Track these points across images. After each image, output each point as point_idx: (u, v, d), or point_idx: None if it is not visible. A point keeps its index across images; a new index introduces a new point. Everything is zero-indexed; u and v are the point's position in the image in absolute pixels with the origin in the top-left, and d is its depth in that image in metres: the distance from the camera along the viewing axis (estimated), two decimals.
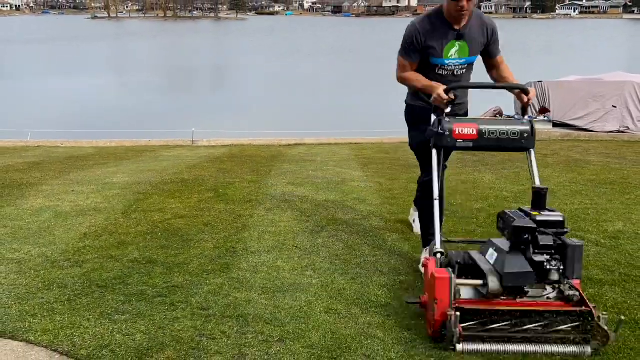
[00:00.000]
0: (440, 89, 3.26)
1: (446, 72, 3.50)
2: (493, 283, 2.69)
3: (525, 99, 3.31)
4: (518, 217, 2.86)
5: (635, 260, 3.88)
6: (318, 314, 3.06)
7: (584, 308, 2.64)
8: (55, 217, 4.78)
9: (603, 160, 8.36)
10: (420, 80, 3.47)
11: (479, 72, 3.69)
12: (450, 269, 2.76)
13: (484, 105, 15.33)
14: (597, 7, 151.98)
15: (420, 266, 3.57)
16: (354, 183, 6.32)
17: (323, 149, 10.46)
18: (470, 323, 2.63)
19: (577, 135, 13.11)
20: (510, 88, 3.47)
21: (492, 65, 3.60)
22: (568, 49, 52.98)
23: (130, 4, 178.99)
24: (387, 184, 6.31)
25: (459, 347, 2.61)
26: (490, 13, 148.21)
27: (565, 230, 2.80)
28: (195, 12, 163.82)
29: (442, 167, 3.40)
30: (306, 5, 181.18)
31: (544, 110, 13.68)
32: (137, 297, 3.22)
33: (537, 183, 3.24)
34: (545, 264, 2.68)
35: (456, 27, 3.39)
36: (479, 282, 2.76)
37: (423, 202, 3.70)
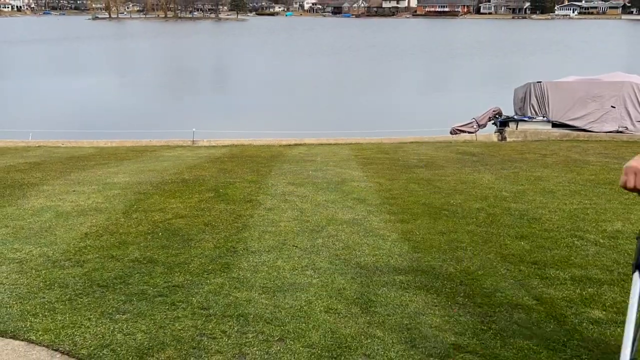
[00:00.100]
0: None
1: None
2: None
3: None
4: None
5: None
6: (318, 313, 3.07)
7: None
8: (56, 217, 4.80)
9: (602, 160, 8.38)
10: None
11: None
12: None
13: (483, 105, 15.38)
14: (595, 7, 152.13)
15: None
16: (354, 183, 6.34)
17: (323, 149, 10.48)
18: None
19: (576, 135, 13.13)
20: None
21: None
22: (567, 50, 53.00)
23: (130, 5, 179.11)
24: (386, 184, 6.32)
25: None
26: (490, 14, 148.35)
27: None
28: (195, 13, 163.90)
29: None
30: (306, 6, 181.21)
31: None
32: (137, 296, 3.23)
33: None
34: None
35: None
36: None
37: None
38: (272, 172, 7.07)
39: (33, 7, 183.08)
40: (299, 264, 3.77)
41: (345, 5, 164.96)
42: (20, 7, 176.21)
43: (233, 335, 2.81)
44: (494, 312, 3.09)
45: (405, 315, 3.06)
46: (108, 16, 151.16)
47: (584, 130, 13.62)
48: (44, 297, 3.20)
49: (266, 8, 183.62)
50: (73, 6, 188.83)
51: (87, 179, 6.63)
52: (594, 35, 75.72)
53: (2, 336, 2.79)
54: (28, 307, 3.08)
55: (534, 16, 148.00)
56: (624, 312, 3.08)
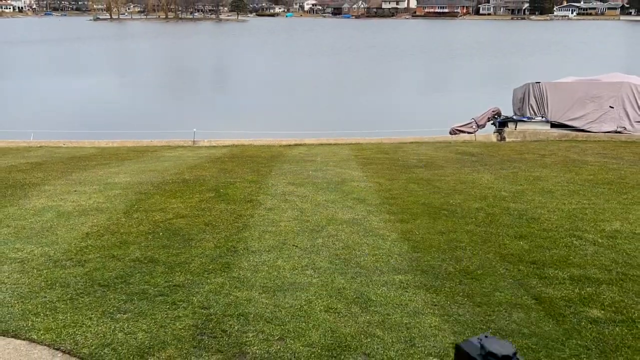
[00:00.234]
0: None
1: None
2: None
3: None
4: None
5: (632, 260, 3.90)
6: (318, 312, 3.08)
7: None
8: (57, 217, 4.81)
9: (600, 160, 8.39)
10: None
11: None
12: None
13: (482, 106, 15.38)
14: (594, 8, 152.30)
15: None
16: (354, 183, 6.35)
17: (323, 149, 10.48)
18: None
19: (574, 135, 13.14)
20: None
21: None
22: (566, 51, 52.99)
23: (131, 6, 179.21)
24: (386, 184, 6.33)
25: None
26: (489, 14, 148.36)
27: None
28: (196, 14, 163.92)
29: None
30: (306, 7, 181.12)
31: None
32: (138, 296, 3.24)
33: None
34: None
35: None
36: None
37: None
38: (272, 172, 7.08)
39: (34, 8, 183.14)
40: (299, 264, 3.78)
41: (345, 6, 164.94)
42: (22, 7, 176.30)
43: (233, 334, 2.83)
44: (493, 311, 3.11)
45: (404, 315, 3.07)
46: (109, 17, 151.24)
47: (583, 130, 13.63)
48: (45, 297, 3.22)
49: (266, 9, 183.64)
50: (74, 7, 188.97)
51: (88, 179, 6.64)
52: (592, 36, 75.69)
53: (4, 335, 2.81)
54: (30, 307, 3.09)
55: (532, 17, 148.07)
56: (622, 312, 3.10)
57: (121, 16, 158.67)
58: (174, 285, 3.40)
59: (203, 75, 39.13)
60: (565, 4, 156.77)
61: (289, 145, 11.31)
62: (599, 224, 4.74)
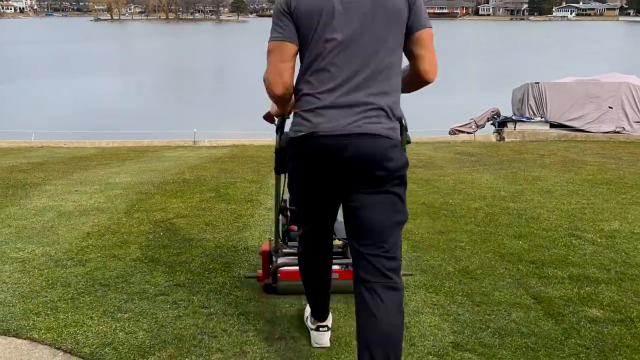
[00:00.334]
0: None
1: None
2: None
3: None
4: None
5: (630, 259, 3.92)
6: None
7: None
8: (58, 217, 4.83)
9: (599, 160, 8.41)
10: None
11: None
12: None
13: (482, 106, 15.41)
14: (593, 9, 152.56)
15: None
16: None
17: None
18: None
19: (573, 135, 13.17)
20: None
21: None
22: (565, 51, 53.04)
23: (132, 7, 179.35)
24: None
25: None
26: (488, 15, 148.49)
27: None
28: (196, 15, 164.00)
29: None
30: None
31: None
32: (139, 295, 3.26)
33: None
34: None
35: None
36: None
37: None
38: (272, 172, 7.10)
39: (36, 9, 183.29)
40: None
41: None
42: (23, 8, 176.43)
43: (234, 334, 2.84)
44: (493, 310, 3.12)
45: (404, 314, 3.08)
46: (110, 17, 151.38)
47: (582, 130, 13.66)
48: (46, 296, 3.23)
49: (266, 9, 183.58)
50: (75, 8, 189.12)
51: (89, 179, 6.66)
52: (591, 36, 75.75)
53: (5, 335, 2.82)
54: (31, 306, 3.10)
55: (531, 18, 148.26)
56: (621, 311, 3.11)
57: (122, 17, 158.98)
58: (174, 285, 3.41)
59: (203, 76, 39.17)
60: (564, 4, 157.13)
61: None
62: (598, 223, 4.76)
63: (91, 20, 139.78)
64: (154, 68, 41.95)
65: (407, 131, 2.25)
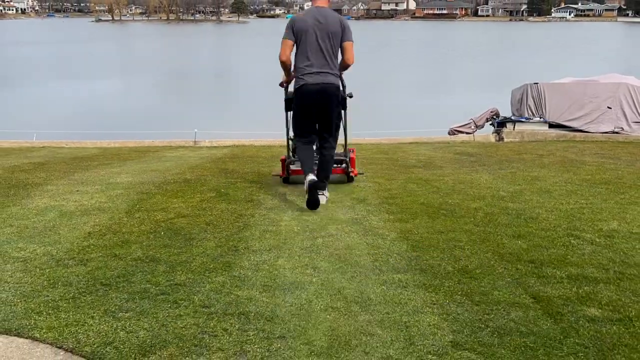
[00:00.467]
0: None
1: None
2: None
3: None
4: None
5: (629, 259, 3.93)
6: (318, 311, 3.11)
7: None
8: (60, 217, 4.84)
9: (598, 160, 8.42)
10: None
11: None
12: None
13: (481, 106, 15.42)
14: (592, 10, 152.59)
15: None
16: (354, 183, 6.38)
17: None
18: None
19: (572, 136, 13.16)
20: None
21: None
22: (564, 52, 53.04)
23: (133, 7, 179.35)
24: (385, 184, 6.37)
25: None
26: (488, 16, 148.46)
27: None
28: (197, 15, 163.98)
29: None
30: (306, 8, 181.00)
31: None
32: (140, 295, 3.27)
33: None
34: None
35: None
36: None
37: None
38: (272, 172, 7.11)
39: (37, 10, 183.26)
40: (299, 263, 3.81)
41: (345, 7, 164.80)
42: (25, 9, 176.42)
43: (234, 333, 2.86)
44: (492, 310, 3.14)
45: (404, 313, 3.10)
46: (111, 18, 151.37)
47: (581, 130, 13.65)
48: (47, 296, 3.24)
49: (267, 10, 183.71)
50: (76, 9, 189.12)
51: (90, 179, 6.68)
52: (590, 37, 75.74)
53: (7, 334, 2.83)
54: (32, 306, 3.12)
55: (530, 18, 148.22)
56: (619, 310, 3.13)
57: (123, 17, 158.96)
58: (175, 284, 3.43)
59: (204, 76, 39.18)
60: (563, 5, 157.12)
61: None
62: (597, 223, 4.77)
63: (92, 21, 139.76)
64: (155, 69, 41.95)
65: (345, 87, 5.48)
